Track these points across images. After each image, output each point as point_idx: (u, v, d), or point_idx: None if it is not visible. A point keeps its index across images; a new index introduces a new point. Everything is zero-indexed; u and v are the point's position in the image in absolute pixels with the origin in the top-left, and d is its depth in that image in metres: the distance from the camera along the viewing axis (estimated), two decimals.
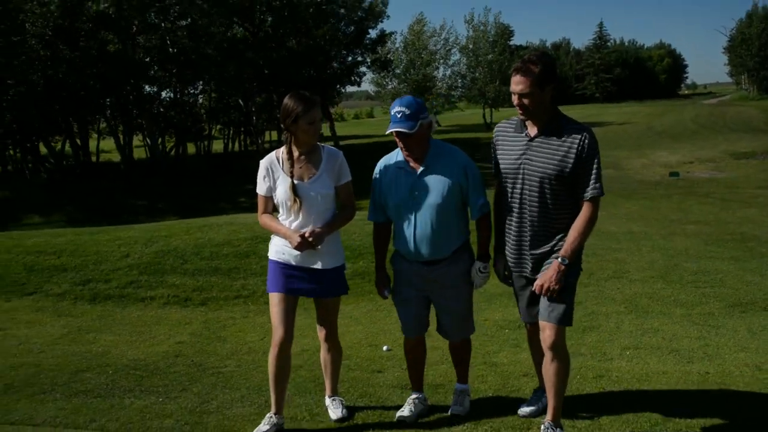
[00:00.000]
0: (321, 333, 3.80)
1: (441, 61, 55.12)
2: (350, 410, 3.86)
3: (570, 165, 3.23)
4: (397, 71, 50.82)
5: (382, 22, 35.34)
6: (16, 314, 7.27)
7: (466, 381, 3.96)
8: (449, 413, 3.76)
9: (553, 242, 3.36)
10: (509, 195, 3.44)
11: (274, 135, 31.37)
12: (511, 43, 68.41)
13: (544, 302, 3.35)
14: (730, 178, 18.13)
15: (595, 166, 3.24)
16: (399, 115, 3.43)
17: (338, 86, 34.20)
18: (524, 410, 3.73)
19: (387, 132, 3.52)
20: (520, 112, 3.31)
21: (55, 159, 22.96)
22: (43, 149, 24.07)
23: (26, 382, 4.71)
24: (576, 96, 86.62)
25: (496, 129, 3.60)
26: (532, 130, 3.35)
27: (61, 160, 23.17)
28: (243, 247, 9.33)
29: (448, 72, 56.20)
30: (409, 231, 3.57)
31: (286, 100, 3.47)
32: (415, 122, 3.42)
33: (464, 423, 3.69)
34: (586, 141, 3.23)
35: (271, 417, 3.61)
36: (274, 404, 3.63)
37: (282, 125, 3.53)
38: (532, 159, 3.31)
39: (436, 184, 3.51)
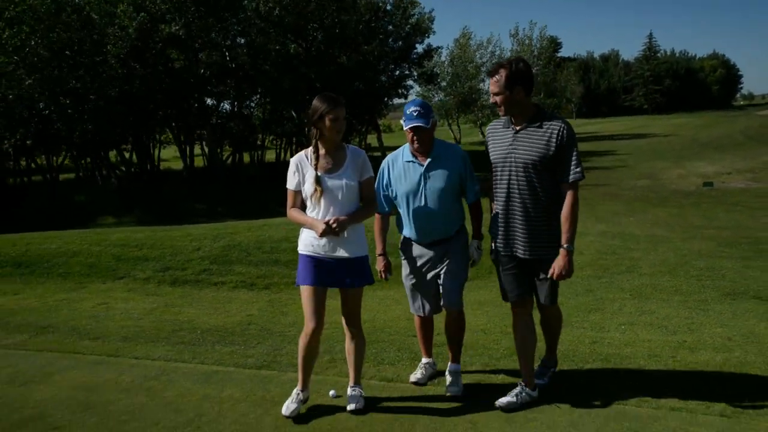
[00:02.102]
0: (348, 328, 4.00)
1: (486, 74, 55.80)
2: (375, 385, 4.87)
3: (552, 151, 3.61)
4: (443, 84, 51.69)
5: (428, 37, 36.60)
6: (113, 293, 8.66)
7: (459, 361, 4.28)
8: (446, 393, 4.08)
9: (538, 223, 3.73)
10: (499, 182, 3.83)
11: None
12: (558, 54, 68.91)
13: (541, 289, 3.89)
14: (764, 188, 18.50)
15: (574, 153, 3.63)
16: (415, 114, 3.93)
17: (386, 99, 35.53)
18: (502, 401, 3.86)
19: (405, 128, 3.97)
20: (498, 109, 3.76)
21: (125, 167, 24.98)
22: (112, 157, 26.23)
23: (136, 335, 6.00)
24: (624, 107, 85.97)
25: (488, 127, 4.05)
26: (518, 125, 3.77)
27: (129, 168, 25.15)
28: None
29: None
30: (419, 216, 4.06)
31: (315, 101, 3.75)
32: (428, 119, 3.94)
33: (476, 382, 4.74)
34: (565, 131, 3.62)
35: (298, 393, 3.92)
36: (301, 381, 3.95)
37: (310, 123, 3.79)
38: (517, 148, 3.72)
39: (442, 173, 4.00)
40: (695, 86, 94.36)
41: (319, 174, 3.75)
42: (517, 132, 3.74)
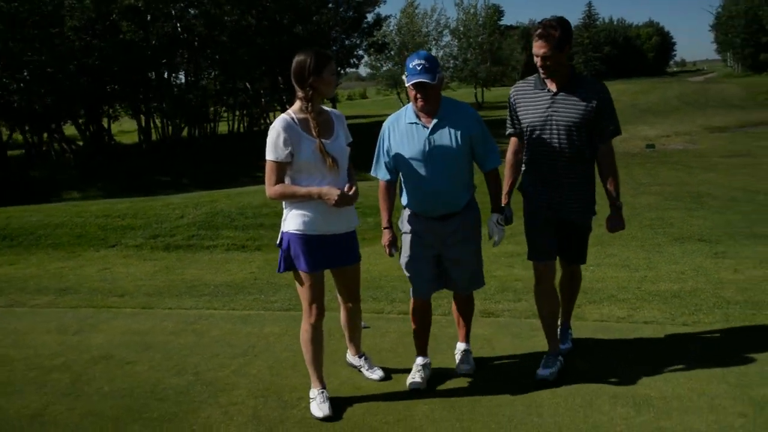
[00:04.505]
0: (347, 304, 3.73)
1: (433, 43, 56.44)
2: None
3: (593, 112, 3.56)
4: (391, 53, 52.00)
5: (379, 6, 36.97)
6: (110, 259, 9.06)
7: (468, 340, 4.01)
8: (457, 371, 3.85)
9: (583, 185, 3.74)
10: (539, 145, 3.68)
11: (279, 114, 32.97)
12: (501, 23, 69.88)
13: (572, 250, 3.90)
14: (700, 149, 20.01)
15: (611, 111, 3.65)
16: (419, 68, 3.40)
17: (338, 68, 35.83)
18: (544, 372, 3.73)
19: (408, 84, 3.45)
20: (543, 72, 3.59)
21: (82, 141, 24.66)
22: (72, 131, 25.83)
23: (157, 292, 6.51)
24: None
25: (513, 90, 3.81)
26: (553, 86, 3.62)
27: (87, 142, 24.83)
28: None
29: (441, 53, 57.53)
30: (424, 185, 3.58)
31: (303, 57, 3.30)
32: (434, 74, 3.43)
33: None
34: (604, 92, 3.62)
35: (322, 392, 3.51)
36: (318, 381, 3.55)
37: (300, 84, 3.32)
38: (559, 110, 3.60)
39: (451, 136, 3.53)
40: (632, 53, 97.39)
41: (323, 141, 3.32)
42: (555, 94, 3.62)
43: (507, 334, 4.55)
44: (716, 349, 4.10)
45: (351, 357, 3.98)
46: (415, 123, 3.57)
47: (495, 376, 3.83)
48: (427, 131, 3.54)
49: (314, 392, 3.52)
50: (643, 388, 3.54)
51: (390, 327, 4.80)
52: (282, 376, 3.98)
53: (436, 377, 3.83)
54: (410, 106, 3.62)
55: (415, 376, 3.74)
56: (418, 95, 3.46)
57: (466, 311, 3.99)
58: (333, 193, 3.27)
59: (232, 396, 3.72)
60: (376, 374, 3.80)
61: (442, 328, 4.54)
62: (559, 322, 4.09)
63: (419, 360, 3.87)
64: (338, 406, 3.51)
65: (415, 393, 3.65)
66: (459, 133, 3.53)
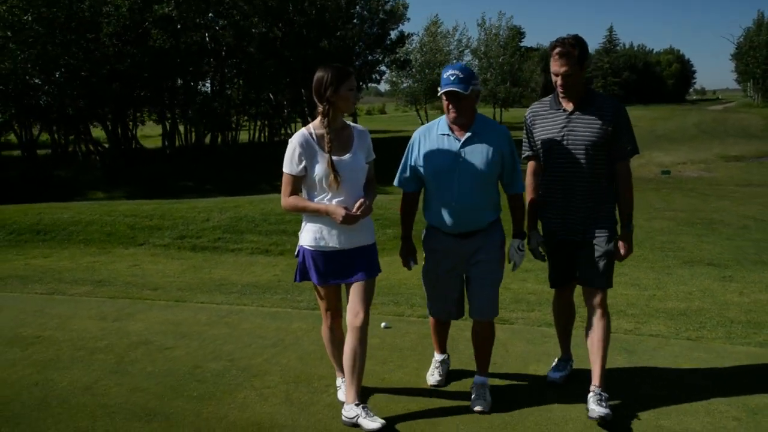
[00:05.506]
0: (355, 320, 3.44)
1: (454, 61, 56.97)
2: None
3: (610, 131, 3.50)
4: (413, 70, 52.62)
5: (403, 24, 37.65)
6: (139, 257, 9.45)
7: (486, 372, 3.82)
8: (472, 408, 3.58)
9: (600, 204, 3.63)
10: (555, 165, 3.65)
11: (300, 126, 33.50)
12: (522, 44, 70.42)
13: (595, 270, 3.63)
14: (715, 177, 20.21)
15: (628, 130, 3.57)
16: (453, 78, 3.41)
17: (360, 83, 36.47)
18: (555, 375, 3.95)
19: (440, 93, 3.47)
20: (562, 91, 3.55)
21: (109, 143, 25.39)
22: (98, 133, 26.58)
23: (188, 287, 6.87)
24: None
25: (529, 111, 3.80)
26: (569, 105, 3.60)
27: (115, 145, 25.54)
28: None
29: None
30: (449, 199, 3.55)
31: (322, 72, 3.33)
32: (468, 85, 3.42)
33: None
34: (621, 111, 3.57)
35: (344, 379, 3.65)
36: (341, 371, 3.75)
37: (318, 99, 3.35)
38: (574, 130, 3.56)
39: (482, 152, 3.49)
40: (652, 79, 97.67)
41: (334, 158, 3.35)
42: (571, 113, 3.60)
43: (521, 339, 4.84)
44: (716, 360, 4.37)
45: (347, 407, 3.43)
46: (447, 134, 3.55)
47: (509, 376, 4.13)
48: (459, 143, 3.51)
49: (339, 381, 3.83)
50: (644, 390, 3.83)
51: (410, 328, 5.11)
52: (311, 366, 4.30)
53: (453, 374, 4.14)
54: (444, 117, 3.62)
55: (434, 372, 3.96)
56: (450, 105, 3.46)
57: (485, 340, 3.80)
58: (339, 212, 3.32)
59: (265, 381, 4.05)
60: (377, 422, 3.29)
61: (460, 330, 4.83)
62: (591, 389, 3.61)
63: (438, 357, 4.04)
64: (363, 394, 3.82)
65: (434, 386, 3.95)
66: (491, 149, 3.50)
